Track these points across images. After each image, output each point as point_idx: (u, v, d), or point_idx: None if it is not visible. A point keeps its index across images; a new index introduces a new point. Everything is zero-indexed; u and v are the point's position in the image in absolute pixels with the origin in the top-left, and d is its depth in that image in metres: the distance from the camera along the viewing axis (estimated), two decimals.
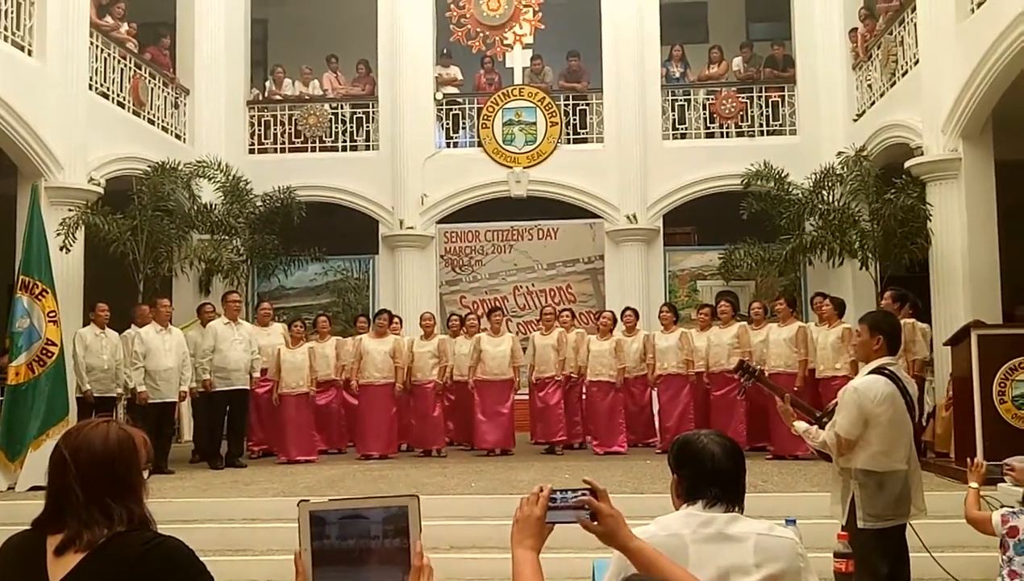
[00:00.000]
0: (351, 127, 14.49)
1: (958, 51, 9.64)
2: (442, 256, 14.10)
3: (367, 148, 14.39)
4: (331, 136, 14.45)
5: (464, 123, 14.50)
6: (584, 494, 2.03)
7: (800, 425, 4.38)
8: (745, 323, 10.44)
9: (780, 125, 14.00)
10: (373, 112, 14.42)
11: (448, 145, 14.46)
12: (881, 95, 12.05)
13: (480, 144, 14.10)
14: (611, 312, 11.23)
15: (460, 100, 14.54)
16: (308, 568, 1.70)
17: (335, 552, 1.70)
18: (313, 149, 14.41)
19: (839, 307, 9.71)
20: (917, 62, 10.72)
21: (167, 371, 9.46)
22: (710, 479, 2.41)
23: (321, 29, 15.45)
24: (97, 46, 11.54)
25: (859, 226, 11.20)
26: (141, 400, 9.26)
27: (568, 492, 2.02)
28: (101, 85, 11.64)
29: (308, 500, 1.72)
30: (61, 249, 9.66)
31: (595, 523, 2.04)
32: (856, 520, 4.07)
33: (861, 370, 4.39)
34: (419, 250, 13.94)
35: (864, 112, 12.69)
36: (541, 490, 2.02)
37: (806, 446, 4.29)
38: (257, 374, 10.21)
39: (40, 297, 8.52)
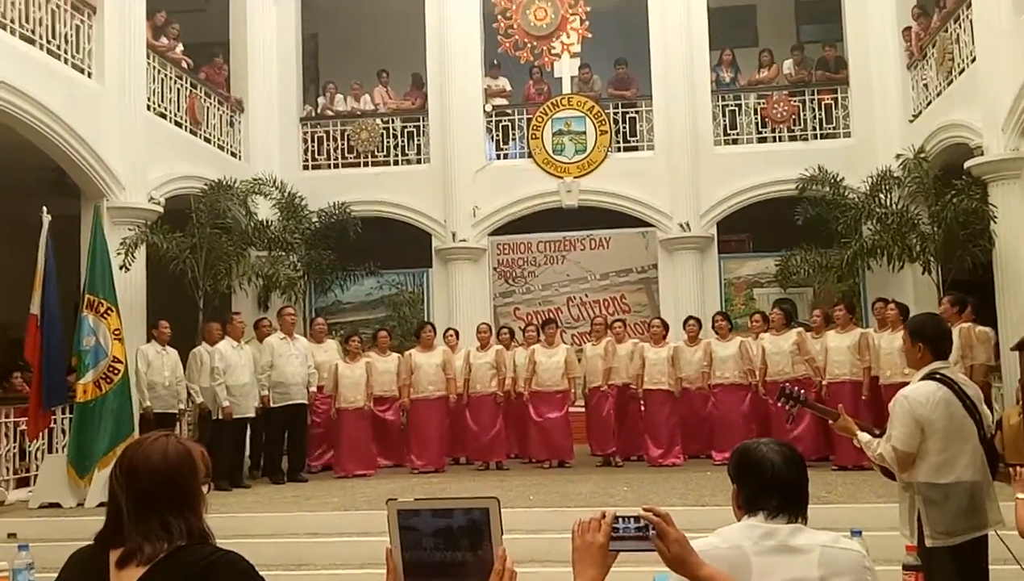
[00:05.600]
0: (402, 141, 14.58)
1: (1016, 47, 9.41)
2: (495, 268, 14.11)
3: (419, 161, 14.47)
4: (383, 150, 14.55)
5: (514, 134, 14.51)
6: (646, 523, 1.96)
7: (864, 436, 4.11)
8: (802, 330, 10.26)
9: (834, 128, 13.76)
10: (424, 125, 14.50)
11: (498, 157, 14.48)
12: (938, 95, 11.80)
13: (530, 155, 14.08)
14: (660, 319, 11.09)
15: (509, 111, 14.56)
16: (399, 564, 1.72)
17: (422, 562, 1.73)
18: (366, 164, 14.52)
19: (904, 311, 9.47)
20: (974, 60, 10.48)
21: (245, 386, 9.65)
22: (770, 489, 2.35)
23: (371, 44, 15.58)
24: (154, 67, 11.75)
25: (919, 229, 10.98)
26: (227, 416, 9.45)
27: (632, 519, 1.95)
28: (159, 105, 11.83)
29: (396, 499, 1.75)
30: (121, 268, 9.79)
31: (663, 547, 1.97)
32: (924, 539, 3.83)
33: (912, 378, 4.14)
34: (472, 262, 13.96)
35: (920, 112, 12.43)
36: (603, 516, 1.94)
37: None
38: (314, 388, 10.32)
39: (105, 315, 8.70)
